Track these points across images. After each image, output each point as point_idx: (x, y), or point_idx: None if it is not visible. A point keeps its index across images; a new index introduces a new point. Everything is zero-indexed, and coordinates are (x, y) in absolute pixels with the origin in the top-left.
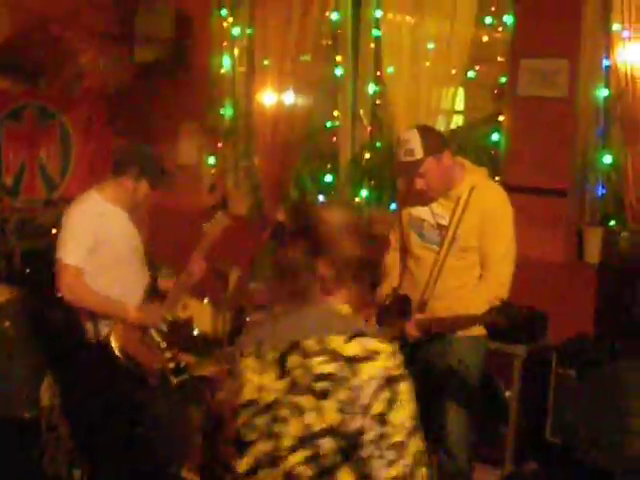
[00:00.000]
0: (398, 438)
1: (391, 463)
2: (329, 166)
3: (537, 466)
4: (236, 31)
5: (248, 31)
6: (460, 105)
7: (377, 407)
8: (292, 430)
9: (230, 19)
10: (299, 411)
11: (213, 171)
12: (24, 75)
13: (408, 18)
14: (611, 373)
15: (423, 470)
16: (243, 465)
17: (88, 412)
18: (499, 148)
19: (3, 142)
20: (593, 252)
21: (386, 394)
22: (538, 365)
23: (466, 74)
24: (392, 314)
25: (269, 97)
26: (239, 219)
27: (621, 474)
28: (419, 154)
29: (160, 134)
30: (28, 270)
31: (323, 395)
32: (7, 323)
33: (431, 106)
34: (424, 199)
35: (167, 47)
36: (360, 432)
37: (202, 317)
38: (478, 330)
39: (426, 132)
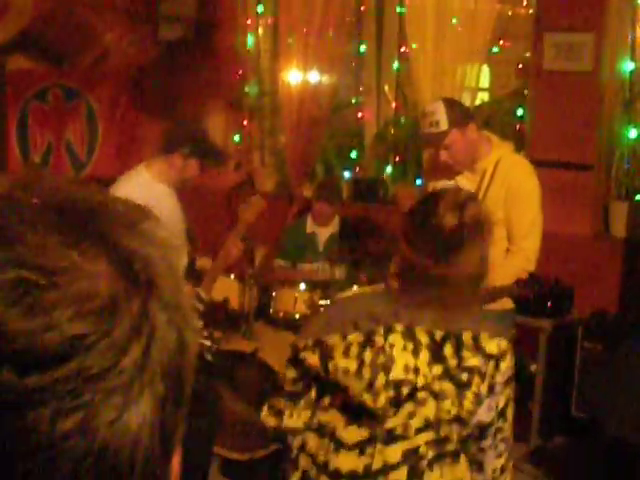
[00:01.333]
0: (507, 433)
1: (500, 454)
2: (354, 142)
3: (563, 441)
4: (260, 9)
5: (272, 9)
6: (485, 80)
7: (502, 403)
8: (426, 412)
9: None
10: (440, 396)
11: (239, 149)
12: (49, 55)
13: None
14: (637, 346)
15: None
16: (352, 439)
17: None
18: (524, 123)
19: (29, 122)
20: (619, 226)
21: (508, 391)
22: (564, 339)
23: (491, 49)
24: None
25: (294, 74)
26: (265, 196)
27: None
28: (444, 126)
29: (185, 113)
30: None
31: (466, 386)
32: None
33: (456, 82)
34: (449, 172)
35: (191, 26)
36: (490, 424)
37: (229, 293)
38: (506, 304)
39: (451, 104)
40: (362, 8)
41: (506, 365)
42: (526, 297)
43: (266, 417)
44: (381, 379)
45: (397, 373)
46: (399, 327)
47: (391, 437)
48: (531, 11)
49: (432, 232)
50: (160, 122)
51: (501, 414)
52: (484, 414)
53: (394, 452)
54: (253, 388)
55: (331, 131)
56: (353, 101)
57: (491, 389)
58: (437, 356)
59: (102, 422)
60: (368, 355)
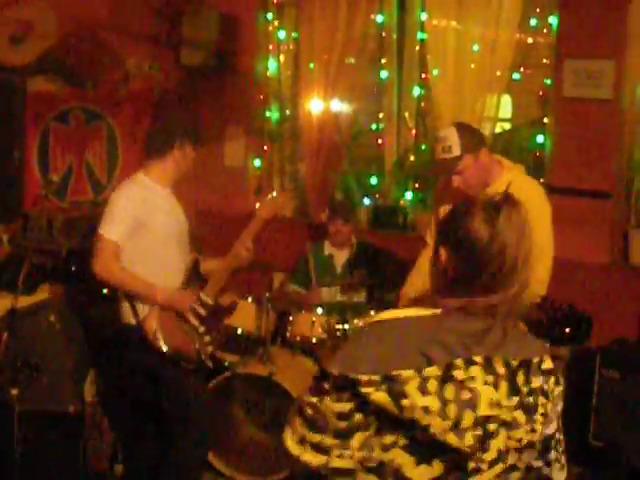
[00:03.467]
0: (563, 444)
1: (563, 467)
2: (374, 168)
3: (580, 470)
4: (282, 34)
5: (294, 34)
6: (505, 108)
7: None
8: (497, 444)
9: (276, 22)
10: (512, 426)
11: (259, 173)
12: (71, 78)
13: (453, 21)
14: None
15: None
16: (435, 471)
17: (126, 396)
18: (544, 150)
19: (50, 144)
20: (638, 254)
21: (561, 403)
22: (582, 367)
23: (511, 76)
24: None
25: (315, 100)
26: (284, 221)
27: None
28: (457, 151)
29: (207, 137)
30: (74, 269)
31: (534, 409)
32: (52, 317)
33: (476, 109)
34: (461, 197)
35: (213, 50)
36: (552, 436)
37: (246, 315)
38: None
39: (464, 129)
40: (383, 34)
41: (561, 378)
42: (540, 320)
43: (302, 454)
44: (468, 417)
45: (483, 409)
46: (478, 359)
47: (465, 474)
48: (551, 39)
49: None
50: None
51: (559, 427)
52: (548, 429)
53: None
54: (268, 412)
55: (351, 157)
56: (373, 127)
57: (555, 404)
58: (513, 387)
59: None
60: (450, 391)
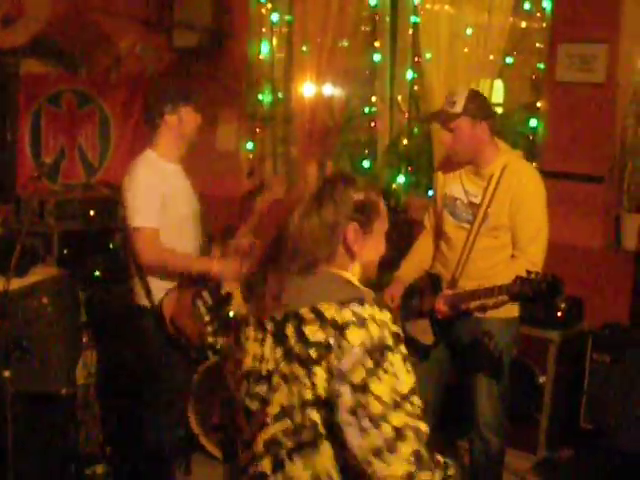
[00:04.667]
0: (376, 409)
1: (364, 432)
2: (367, 152)
3: (571, 452)
4: (275, 17)
5: (287, 17)
6: (498, 92)
7: (358, 375)
8: (280, 398)
9: (269, 5)
10: (291, 379)
11: (251, 157)
12: (63, 61)
13: (446, 5)
14: None
15: (410, 447)
16: (247, 435)
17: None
18: (537, 134)
19: (42, 127)
20: (630, 238)
21: (369, 363)
22: (573, 351)
23: (504, 61)
24: (423, 292)
25: (307, 83)
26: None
27: None
28: (458, 109)
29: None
30: (66, 251)
31: (314, 363)
32: (45, 300)
33: None
34: (453, 166)
35: (206, 33)
36: (336, 396)
37: (238, 300)
38: (510, 312)
39: (475, 95)
40: (376, 18)
41: (367, 333)
42: (526, 295)
43: None
44: (239, 372)
45: (247, 363)
46: (252, 320)
47: (257, 427)
48: (544, 24)
49: None
50: None
51: (361, 388)
52: (333, 388)
53: (258, 441)
54: None
55: (343, 141)
56: (366, 111)
57: (340, 360)
58: (279, 338)
59: None
60: (236, 353)
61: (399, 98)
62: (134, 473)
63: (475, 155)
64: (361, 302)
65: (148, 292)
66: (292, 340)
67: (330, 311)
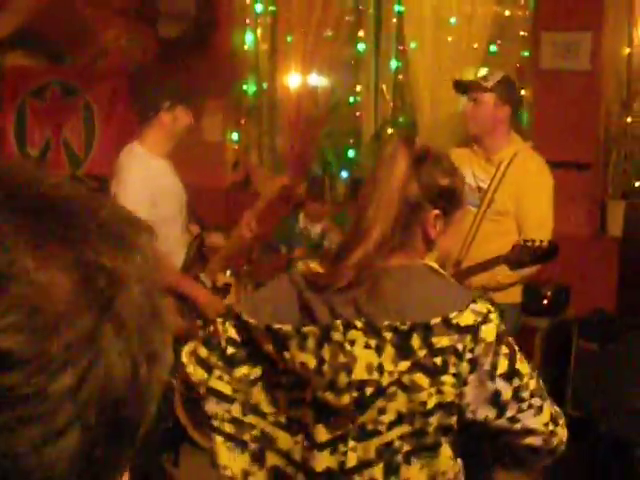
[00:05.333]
0: (535, 385)
1: (539, 410)
2: (352, 141)
3: None
4: (259, 8)
5: (271, 8)
6: None
7: (503, 364)
8: (397, 406)
9: None
10: (412, 388)
11: (236, 148)
12: (47, 52)
13: None
14: (632, 345)
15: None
16: (322, 438)
17: None
18: (522, 122)
19: (27, 119)
20: (616, 225)
21: (505, 349)
22: (559, 338)
23: (488, 49)
24: None
25: (292, 73)
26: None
27: None
28: (489, 84)
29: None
30: None
31: (440, 372)
32: None
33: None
34: (464, 151)
35: (190, 24)
36: (496, 395)
37: (236, 292)
38: (513, 297)
39: (509, 81)
40: (360, 7)
41: (487, 328)
42: (522, 262)
43: (188, 364)
44: (342, 379)
45: (359, 373)
46: (359, 323)
47: (364, 434)
48: (528, 12)
49: None
50: None
51: (511, 374)
52: (471, 393)
53: (367, 449)
54: None
55: (329, 131)
56: (351, 100)
57: (473, 363)
58: (404, 351)
59: (16, 452)
60: (326, 352)
61: (384, 87)
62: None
63: (488, 134)
64: (475, 301)
65: None
66: (420, 352)
67: (456, 318)
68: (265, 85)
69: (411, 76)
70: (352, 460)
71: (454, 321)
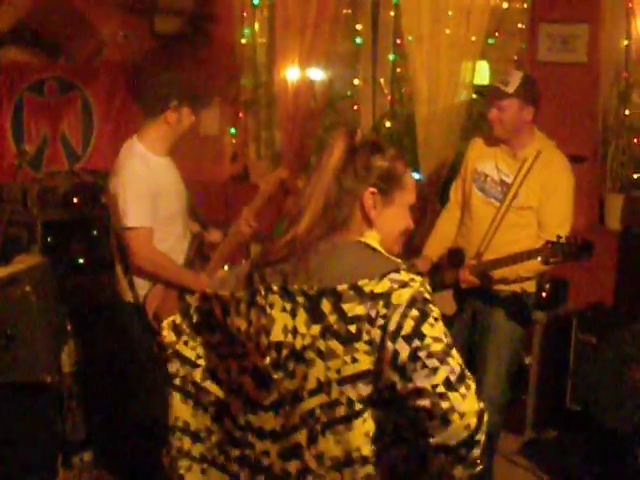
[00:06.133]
0: (438, 347)
1: (435, 370)
2: None
3: (557, 433)
4: (256, 1)
5: (268, 1)
6: (482, 73)
7: (408, 325)
8: (316, 373)
9: None
10: (328, 355)
11: (235, 141)
12: (45, 48)
13: None
14: (631, 337)
15: (474, 386)
16: (266, 400)
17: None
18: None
19: (24, 115)
20: (614, 219)
21: (414, 312)
22: (559, 331)
23: (486, 42)
24: (446, 265)
25: (290, 67)
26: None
27: None
28: (510, 89)
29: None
30: (49, 240)
31: (354, 339)
32: (28, 288)
33: (451, 74)
34: (489, 144)
35: (188, 18)
36: (394, 356)
37: None
38: (527, 286)
39: (529, 81)
40: (358, 0)
41: (407, 291)
42: (556, 258)
43: (165, 329)
44: (263, 341)
45: (276, 335)
46: (275, 287)
47: (293, 400)
48: (525, 4)
49: None
50: None
51: (414, 335)
52: (380, 360)
53: (294, 414)
54: None
55: (327, 123)
56: (348, 93)
57: (383, 328)
58: (315, 315)
59: None
60: (253, 315)
61: (382, 80)
62: (122, 457)
63: (513, 135)
64: (397, 271)
65: (132, 287)
66: (330, 317)
67: (369, 286)
68: (263, 79)
69: (409, 69)
70: (288, 422)
71: (366, 289)
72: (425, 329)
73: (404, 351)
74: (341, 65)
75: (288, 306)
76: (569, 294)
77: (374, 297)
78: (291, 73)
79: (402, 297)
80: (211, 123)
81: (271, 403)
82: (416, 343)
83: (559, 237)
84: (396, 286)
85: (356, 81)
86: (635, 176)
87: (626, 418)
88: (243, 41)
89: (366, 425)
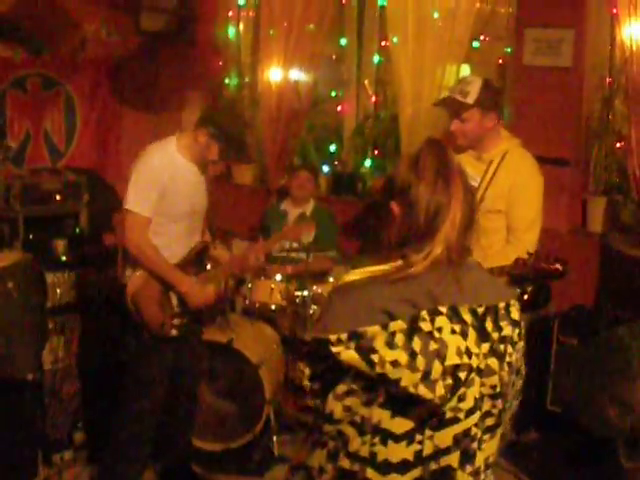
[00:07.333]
0: (520, 385)
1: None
2: (333, 136)
3: (538, 435)
4: (242, 1)
5: (254, 1)
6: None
7: (522, 363)
8: (473, 392)
9: None
10: (485, 372)
11: None
12: (28, 44)
13: None
14: (612, 340)
15: None
16: (411, 423)
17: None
18: (504, 118)
19: (7, 111)
20: (597, 221)
21: (524, 348)
22: (540, 333)
23: (471, 45)
24: None
25: (274, 67)
26: (243, 188)
27: (622, 442)
28: (470, 100)
29: (164, 103)
30: (32, 236)
31: (503, 357)
32: (10, 285)
33: (436, 77)
34: (454, 149)
35: (173, 17)
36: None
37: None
38: None
39: (488, 87)
40: (343, 1)
41: (524, 328)
42: (526, 276)
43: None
44: (437, 367)
45: (452, 358)
46: (443, 309)
47: (441, 423)
48: (511, 8)
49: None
50: (139, 113)
51: (517, 372)
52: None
53: (445, 437)
54: (227, 379)
55: (310, 125)
56: (333, 95)
57: (519, 355)
58: (482, 333)
59: None
60: (417, 343)
61: (366, 82)
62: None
63: (478, 142)
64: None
65: (123, 267)
66: (494, 335)
67: (515, 307)
68: (247, 78)
69: (393, 71)
70: (429, 448)
71: (511, 309)
72: (522, 368)
73: (514, 386)
74: (325, 66)
75: (457, 327)
76: (551, 296)
77: (513, 322)
78: (275, 73)
79: (523, 337)
80: (194, 122)
81: (405, 433)
82: (519, 381)
83: (529, 254)
84: (519, 318)
85: (340, 82)
86: (617, 180)
87: (606, 420)
88: (228, 41)
89: (500, 429)
